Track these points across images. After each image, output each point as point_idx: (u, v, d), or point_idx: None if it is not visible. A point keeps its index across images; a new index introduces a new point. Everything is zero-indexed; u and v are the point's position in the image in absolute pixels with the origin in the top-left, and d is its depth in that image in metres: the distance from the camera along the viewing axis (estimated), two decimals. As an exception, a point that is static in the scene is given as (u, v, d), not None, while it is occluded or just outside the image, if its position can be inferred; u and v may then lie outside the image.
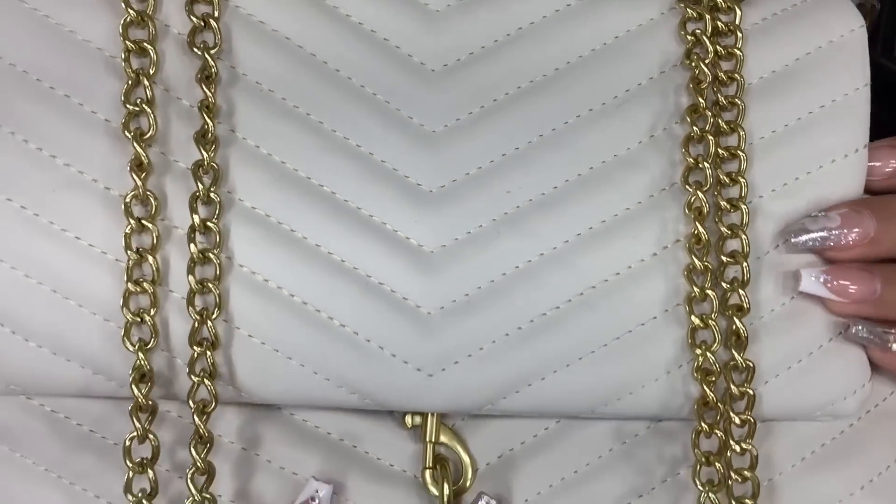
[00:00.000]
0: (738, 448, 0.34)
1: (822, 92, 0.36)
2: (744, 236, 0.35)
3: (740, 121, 0.35)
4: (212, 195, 0.33)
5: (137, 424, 0.33)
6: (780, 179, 0.35)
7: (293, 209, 0.34)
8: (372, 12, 0.35)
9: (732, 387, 0.34)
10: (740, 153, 0.35)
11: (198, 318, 0.33)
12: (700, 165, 0.35)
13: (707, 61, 0.35)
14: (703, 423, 0.34)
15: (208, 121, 0.34)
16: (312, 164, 0.34)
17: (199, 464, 0.33)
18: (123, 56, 0.34)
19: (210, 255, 0.33)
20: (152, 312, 0.33)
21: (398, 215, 0.34)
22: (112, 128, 0.34)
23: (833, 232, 0.35)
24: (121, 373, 0.34)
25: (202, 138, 0.33)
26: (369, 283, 0.34)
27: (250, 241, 0.34)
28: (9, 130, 0.33)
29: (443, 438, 0.36)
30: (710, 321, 0.34)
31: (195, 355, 0.33)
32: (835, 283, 0.35)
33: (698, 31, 0.36)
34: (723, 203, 0.35)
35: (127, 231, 0.33)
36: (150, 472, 0.33)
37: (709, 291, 0.34)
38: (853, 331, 0.35)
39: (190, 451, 0.33)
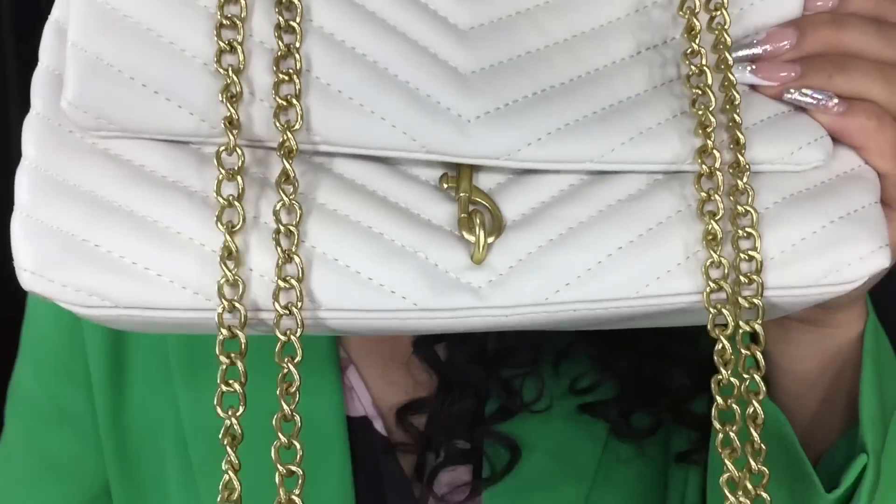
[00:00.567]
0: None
1: None
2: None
3: None
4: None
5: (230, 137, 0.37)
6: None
7: None
8: None
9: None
10: None
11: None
12: None
13: None
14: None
15: None
16: None
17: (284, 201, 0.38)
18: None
19: None
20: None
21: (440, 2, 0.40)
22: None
23: (765, 46, 0.42)
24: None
25: None
26: (417, 46, 0.39)
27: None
28: None
29: (474, 197, 0.40)
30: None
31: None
32: (764, 72, 0.41)
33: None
34: None
35: None
36: (239, 179, 0.37)
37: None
38: (791, 96, 0.41)
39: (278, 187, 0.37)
